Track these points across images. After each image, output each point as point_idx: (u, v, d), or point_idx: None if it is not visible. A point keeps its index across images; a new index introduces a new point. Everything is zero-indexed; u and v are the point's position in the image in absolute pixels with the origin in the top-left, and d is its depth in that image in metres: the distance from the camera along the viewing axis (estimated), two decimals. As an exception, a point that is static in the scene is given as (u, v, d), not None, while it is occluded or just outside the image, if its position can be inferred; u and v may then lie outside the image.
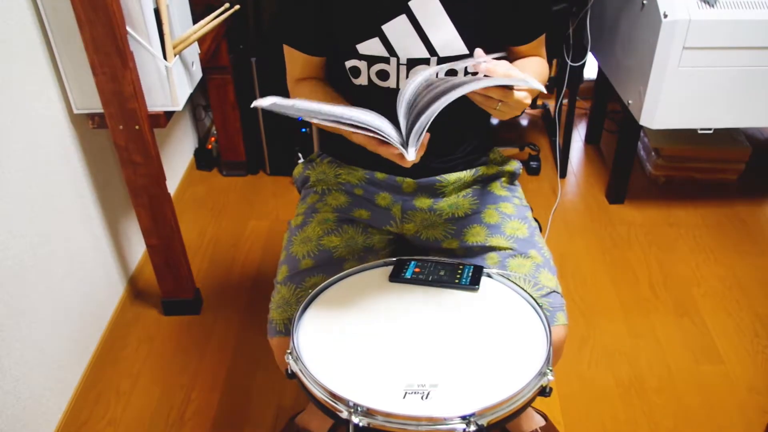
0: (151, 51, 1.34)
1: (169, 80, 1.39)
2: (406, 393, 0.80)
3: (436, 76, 0.88)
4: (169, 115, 1.45)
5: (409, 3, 0.98)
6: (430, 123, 0.79)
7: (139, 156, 1.43)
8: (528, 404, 0.84)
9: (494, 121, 2.43)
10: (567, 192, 2.24)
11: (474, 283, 0.99)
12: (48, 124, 1.39)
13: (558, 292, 1.05)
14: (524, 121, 2.69)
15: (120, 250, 1.75)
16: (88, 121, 1.44)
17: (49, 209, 1.40)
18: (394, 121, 0.84)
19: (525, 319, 0.94)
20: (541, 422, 1.28)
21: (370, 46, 1.01)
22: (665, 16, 1.66)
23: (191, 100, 2.37)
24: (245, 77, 2.11)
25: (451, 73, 1.02)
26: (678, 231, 2.02)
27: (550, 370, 0.84)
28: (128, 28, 1.29)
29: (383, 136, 0.82)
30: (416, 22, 0.99)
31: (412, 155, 0.82)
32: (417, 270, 1.02)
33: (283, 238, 1.17)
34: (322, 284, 1.00)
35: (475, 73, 0.85)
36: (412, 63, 1.02)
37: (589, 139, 2.54)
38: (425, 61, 1.02)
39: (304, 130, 2.21)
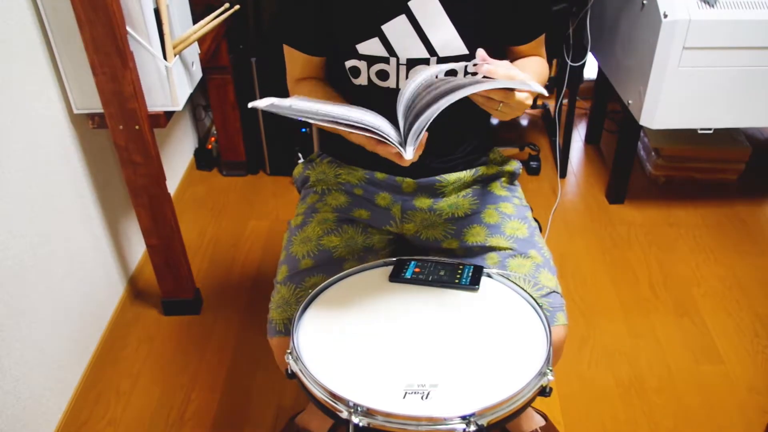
0: (151, 51, 1.34)
1: (169, 80, 1.39)
2: (406, 393, 0.80)
3: (436, 77, 0.88)
4: (169, 115, 1.45)
5: (409, 3, 0.98)
6: (429, 123, 0.79)
7: (139, 156, 1.43)
8: (528, 404, 0.84)
9: (494, 121, 2.43)
10: (567, 192, 2.24)
11: (474, 283, 0.99)
12: (48, 124, 1.39)
13: (558, 292, 1.05)
14: (524, 121, 2.69)
15: (120, 250, 1.75)
16: (88, 121, 1.44)
17: (49, 209, 1.40)
18: (394, 121, 0.84)
19: (525, 319, 0.94)
20: (541, 422, 1.28)
21: (370, 46, 1.01)
22: (665, 16, 1.66)
23: (191, 100, 2.37)
24: (245, 77, 2.11)
25: (451, 73, 1.02)
26: (678, 231, 2.02)
27: (550, 370, 0.84)
28: (128, 28, 1.29)
29: (381, 135, 0.82)
30: (416, 22, 0.99)
31: (410, 154, 0.82)
32: (417, 270, 1.02)
33: (283, 238, 1.17)
34: (322, 284, 1.00)
35: (475, 74, 0.85)
36: (412, 63, 1.02)
37: (589, 139, 2.54)
38: (425, 61, 1.02)
39: (304, 130, 2.21)
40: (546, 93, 0.86)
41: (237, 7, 1.62)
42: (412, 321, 0.93)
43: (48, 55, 1.37)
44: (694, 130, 1.90)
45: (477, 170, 1.17)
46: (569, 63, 2.08)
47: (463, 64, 0.98)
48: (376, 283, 1.01)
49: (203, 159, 2.36)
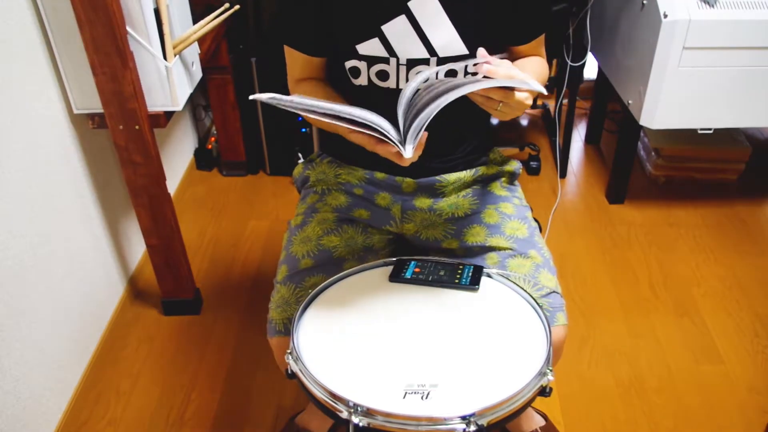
0: (151, 51, 1.34)
1: (169, 80, 1.39)
2: (406, 393, 0.80)
3: (436, 77, 0.88)
4: (169, 115, 1.45)
5: (409, 3, 0.98)
6: (428, 122, 0.79)
7: (139, 156, 1.43)
8: (528, 404, 0.84)
9: (494, 121, 2.43)
10: (567, 192, 2.24)
11: (474, 283, 0.99)
12: (48, 124, 1.39)
13: (558, 293, 1.05)
14: (524, 121, 2.69)
15: (120, 250, 1.75)
16: (88, 121, 1.44)
17: (49, 209, 1.40)
18: (394, 121, 0.84)
19: (525, 319, 0.94)
20: (541, 422, 1.28)
21: (370, 47, 1.01)
22: (665, 16, 1.66)
23: (191, 100, 2.37)
24: (245, 77, 2.11)
25: (452, 73, 1.02)
26: (678, 231, 2.02)
27: (550, 370, 0.84)
28: (128, 28, 1.29)
29: (381, 134, 0.82)
30: (416, 22, 0.99)
31: (409, 153, 0.82)
32: (417, 270, 1.02)
33: (283, 238, 1.17)
34: (322, 284, 1.00)
35: (475, 74, 0.85)
36: (412, 63, 1.02)
37: (589, 139, 2.54)
38: (425, 62, 1.02)
39: (304, 130, 2.21)
40: (546, 92, 0.86)
41: (237, 7, 1.63)
42: (412, 321, 0.93)
43: (48, 55, 1.37)
44: (694, 130, 1.90)
45: (477, 170, 1.17)
46: (569, 63, 2.08)
47: (463, 63, 0.98)
48: (376, 283, 1.01)
49: (203, 159, 2.36)
